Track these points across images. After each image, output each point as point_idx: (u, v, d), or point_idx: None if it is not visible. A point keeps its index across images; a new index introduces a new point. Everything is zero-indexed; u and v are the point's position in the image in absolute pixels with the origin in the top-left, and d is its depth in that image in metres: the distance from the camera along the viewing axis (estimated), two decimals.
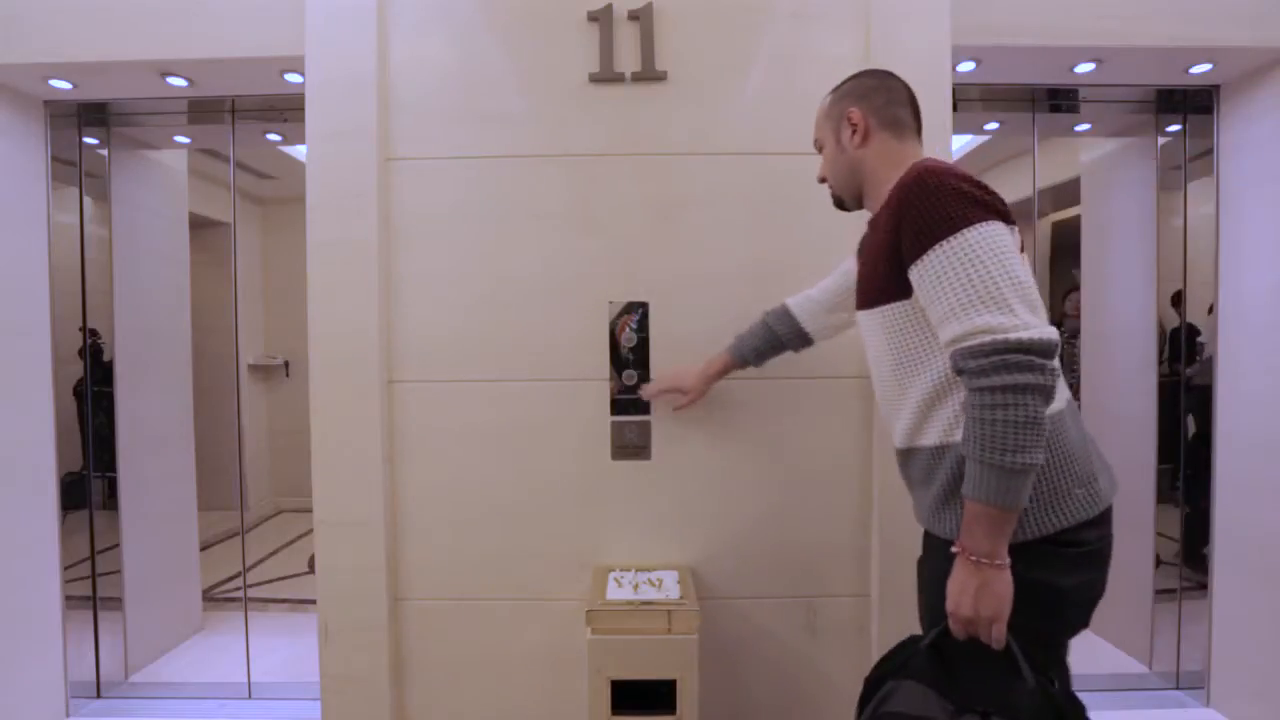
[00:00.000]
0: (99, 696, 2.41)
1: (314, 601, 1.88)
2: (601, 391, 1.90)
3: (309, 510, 1.87)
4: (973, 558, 0.99)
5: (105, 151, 2.45)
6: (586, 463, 1.90)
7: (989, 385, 0.95)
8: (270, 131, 2.50)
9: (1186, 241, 2.41)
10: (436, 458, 1.91)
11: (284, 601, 3.36)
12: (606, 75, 1.87)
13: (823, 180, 1.37)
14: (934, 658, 1.07)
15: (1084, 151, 2.85)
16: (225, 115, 2.39)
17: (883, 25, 1.83)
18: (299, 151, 2.78)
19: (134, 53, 1.96)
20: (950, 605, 1.02)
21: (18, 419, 2.17)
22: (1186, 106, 2.34)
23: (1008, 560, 0.99)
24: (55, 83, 2.10)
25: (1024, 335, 0.94)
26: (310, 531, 1.99)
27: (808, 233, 1.88)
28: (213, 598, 3.25)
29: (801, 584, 1.91)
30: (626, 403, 1.90)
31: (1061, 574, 1.05)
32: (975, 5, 1.92)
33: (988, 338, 0.96)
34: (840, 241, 1.87)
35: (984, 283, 0.97)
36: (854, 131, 1.25)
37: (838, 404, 1.89)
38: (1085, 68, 2.10)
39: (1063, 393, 1.09)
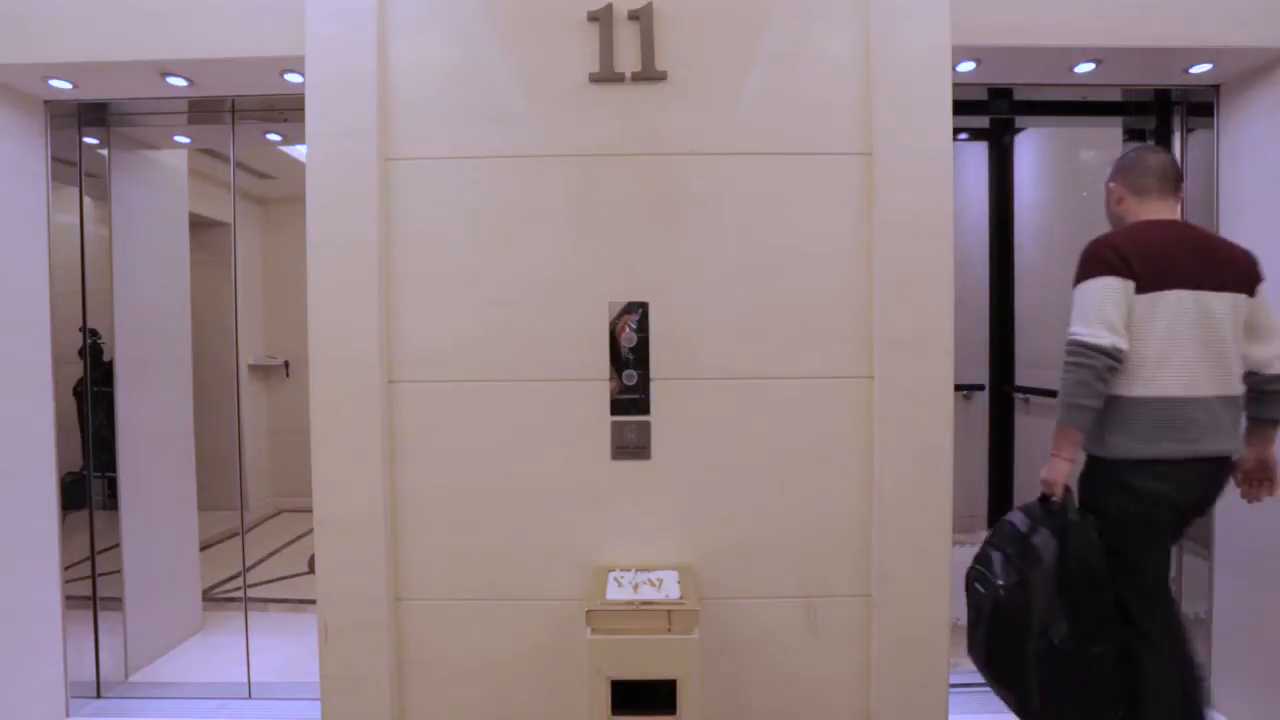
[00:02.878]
0: (99, 696, 2.41)
1: (314, 601, 1.89)
2: (601, 391, 1.90)
3: (309, 510, 1.87)
4: (1053, 451, 1.72)
5: (105, 151, 2.46)
6: (586, 463, 1.90)
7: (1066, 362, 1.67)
8: (270, 131, 2.51)
9: None
10: (436, 458, 1.91)
11: (284, 601, 3.36)
12: (606, 75, 1.87)
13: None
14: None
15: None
16: (225, 115, 2.39)
17: (883, 25, 1.83)
18: (299, 151, 2.78)
19: (134, 53, 1.96)
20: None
21: (18, 419, 2.17)
22: (1186, 106, 2.34)
23: (1068, 456, 1.70)
24: (55, 83, 2.10)
25: (1085, 339, 1.64)
26: (310, 531, 1.99)
27: (807, 233, 1.88)
28: (213, 598, 3.25)
29: (802, 584, 1.91)
30: (626, 403, 1.90)
31: (1109, 488, 1.74)
32: (975, 5, 1.91)
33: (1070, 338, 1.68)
34: (840, 241, 1.87)
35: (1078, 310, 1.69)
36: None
37: (838, 404, 1.89)
38: (1085, 68, 2.10)
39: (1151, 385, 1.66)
